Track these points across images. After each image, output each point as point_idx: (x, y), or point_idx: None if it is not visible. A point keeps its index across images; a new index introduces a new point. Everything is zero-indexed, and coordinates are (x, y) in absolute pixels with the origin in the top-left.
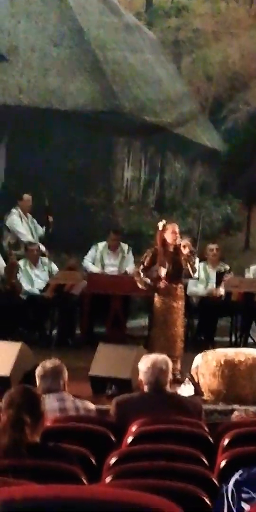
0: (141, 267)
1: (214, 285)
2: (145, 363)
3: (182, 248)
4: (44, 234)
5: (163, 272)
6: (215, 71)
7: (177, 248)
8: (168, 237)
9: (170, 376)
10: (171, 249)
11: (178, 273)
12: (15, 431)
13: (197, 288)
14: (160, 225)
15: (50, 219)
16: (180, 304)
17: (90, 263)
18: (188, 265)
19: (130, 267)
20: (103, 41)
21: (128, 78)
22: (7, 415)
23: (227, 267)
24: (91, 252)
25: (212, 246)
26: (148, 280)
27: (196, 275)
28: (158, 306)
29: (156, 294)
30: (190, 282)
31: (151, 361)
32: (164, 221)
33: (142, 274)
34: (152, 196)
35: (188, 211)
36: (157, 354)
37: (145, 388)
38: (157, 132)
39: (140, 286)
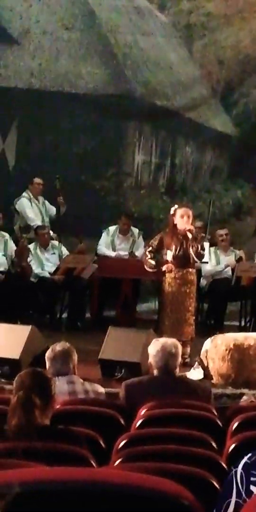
0: (149, 249)
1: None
2: (155, 346)
3: (187, 233)
4: (55, 214)
5: (169, 255)
6: (227, 55)
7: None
8: (178, 221)
9: (179, 360)
10: (181, 234)
11: (187, 258)
12: (25, 413)
13: (210, 267)
14: (172, 209)
15: (60, 199)
16: (190, 289)
17: (105, 248)
18: (191, 251)
19: (140, 252)
20: (114, 25)
21: (139, 62)
22: (17, 397)
23: (240, 254)
24: (103, 237)
25: (222, 232)
26: (153, 262)
27: (206, 259)
28: (167, 290)
29: (165, 278)
30: (203, 265)
31: (160, 345)
32: (176, 206)
33: (149, 256)
34: (162, 180)
35: (198, 196)
36: (166, 338)
37: (155, 372)
38: (168, 116)
39: (146, 267)
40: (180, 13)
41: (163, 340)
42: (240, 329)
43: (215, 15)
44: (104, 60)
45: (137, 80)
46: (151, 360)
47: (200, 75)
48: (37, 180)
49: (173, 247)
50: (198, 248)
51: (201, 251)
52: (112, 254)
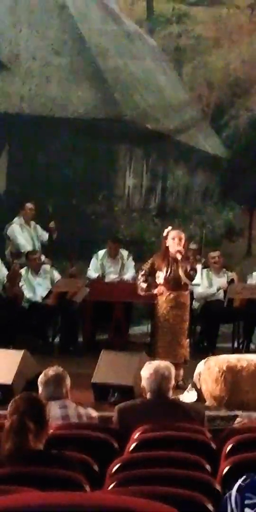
0: (142, 272)
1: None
2: (148, 369)
3: (177, 255)
4: (48, 241)
5: (161, 278)
6: (216, 77)
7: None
8: (170, 243)
9: (172, 383)
10: (172, 256)
11: (179, 280)
12: (18, 438)
13: (202, 290)
14: (165, 231)
15: (52, 224)
16: (183, 311)
17: (92, 272)
18: (180, 272)
19: (130, 274)
20: (104, 49)
21: (129, 86)
22: (11, 421)
23: (232, 276)
24: (93, 262)
25: (214, 254)
26: (144, 285)
27: (197, 281)
28: (160, 312)
29: (158, 301)
30: (195, 288)
31: (153, 368)
32: (169, 228)
33: (141, 279)
34: (153, 203)
35: (189, 218)
36: (160, 361)
37: (148, 395)
38: (158, 139)
39: (138, 291)
40: (169, 36)
41: (156, 363)
42: (233, 351)
43: (204, 38)
44: (94, 84)
45: (127, 103)
46: (144, 383)
47: (190, 98)
48: (29, 205)
49: (165, 269)
50: (187, 269)
51: (191, 272)
52: (95, 275)
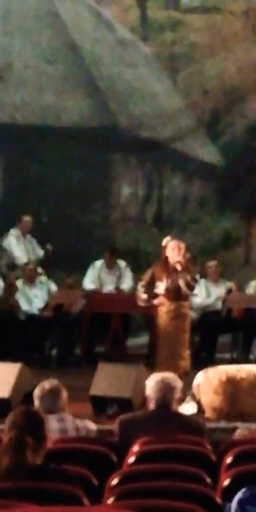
0: (142, 283)
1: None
2: (154, 378)
3: (176, 266)
4: (43, 258)
5: (161, 288)
6: (212, 84)
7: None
8: (169, 254)
9: (178, 395)
10: (172, 266)
11: (179, 291)
12: (16, 453)
13: (200, 300)
14: (164, 241)
15: (49, 246)
16: (184, 322)
17: (88, 283)
18: (181, 282)
19: (127, 284)
20: (97, 57)
21: (123, 94)
22: (9, 436)
23: (230, 285)
24: (89, 272)
25: (211, 263)
26: (144, 296)
27: (195, 291)
28: (160, 323)
29: (158, 312)
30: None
31: (160, 377)
32: (168, 238)
33: (141, 290)
34: (149, 212)
35: (186, 227)
36: (166, 373)
37: (151, 405)
38: (154, 148)
39: (138, 302)
40: (163, 44)
41: (163, 374)
42: (232, 361)
43: (199, 45)
44: (88, 93)
45: (121, 112)
46: (149, 392)
47: (185, 105)
48: (26, 218)
49: (165, 280)
50: (187, 279)
51: (191, 282)
52: (92, 286)
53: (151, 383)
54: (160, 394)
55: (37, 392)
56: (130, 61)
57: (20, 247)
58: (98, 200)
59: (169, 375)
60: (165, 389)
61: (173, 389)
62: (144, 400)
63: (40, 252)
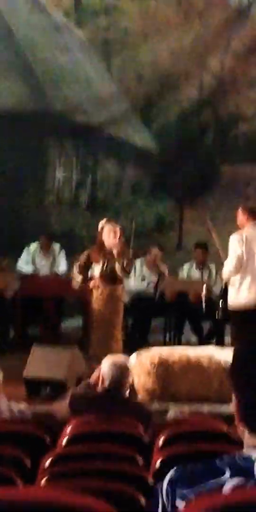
0: (77, 263)
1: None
2: (110, 359)
3: (112, 249)
4: None
5: (96, 271)
6: (145, 70)
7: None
8: (105, 237)
9: (130, 379)
10: (107, 250)
11: (114, 275)
12: None
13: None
14: (100, 224)
15: None
16: (117, 305)
17: (24, 265)
18: (117, 267)
19: (61, 267)
20: (32, 41)
21: (58, 78)
22: None
23: (163, 269)
24: (24, 255)
25: (156, 251)
26: (79, 278)
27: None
28: (94, 306)
29: (93, 295)
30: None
31: (116, 359)
32: (103, 221)
33: (76, 271)
34: (84, 197)
35: (120, 211)
36: (120, 355)
37: (105, 384)
38: (88, 132)
39: (73, 283)
40: (97, 29)
41: (118, 355)
42: (165, 344)
43: (132, 31)
44: (23, 77)
45: (56, 96)
46: (103, 371)
47: (119, 90)
48: None
49: (100, 263)
50: (124, 263)
51: (127, 267)
52: (30, 269)
53: (107, 363)
54: (115, 375)
55: None
56: (64, 45)
57: None
58: (32, 184)
59: (124, 358)
60: (120, 370)
61: (127, 372)
62: (78, 381)
63: None
